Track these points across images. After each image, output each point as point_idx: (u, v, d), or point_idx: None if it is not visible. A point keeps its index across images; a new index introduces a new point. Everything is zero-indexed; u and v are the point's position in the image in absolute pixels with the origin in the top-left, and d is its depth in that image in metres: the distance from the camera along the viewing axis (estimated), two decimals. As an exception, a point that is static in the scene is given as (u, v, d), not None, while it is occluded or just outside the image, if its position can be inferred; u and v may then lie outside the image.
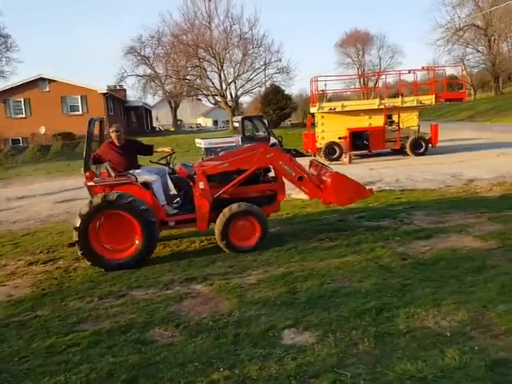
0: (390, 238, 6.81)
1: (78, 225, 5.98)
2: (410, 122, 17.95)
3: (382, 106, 17.68)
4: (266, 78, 41.60)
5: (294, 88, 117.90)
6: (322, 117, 18.19)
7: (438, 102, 19.87)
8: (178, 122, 57.49)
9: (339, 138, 17.66)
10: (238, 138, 19.13)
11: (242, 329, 4.17)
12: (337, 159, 17.65)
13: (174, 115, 55.75)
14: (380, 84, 22.37)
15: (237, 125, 21.54)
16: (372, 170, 14.93)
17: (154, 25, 79.39)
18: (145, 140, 31.40)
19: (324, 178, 7.20)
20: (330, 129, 17.80)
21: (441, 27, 53.48)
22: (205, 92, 42.70)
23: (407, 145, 17.44)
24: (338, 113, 18.01)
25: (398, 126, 17.62)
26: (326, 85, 24.03)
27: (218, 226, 6.47)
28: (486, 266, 5.44)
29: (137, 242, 6.15)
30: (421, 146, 17.49)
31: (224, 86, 41.21)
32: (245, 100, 60.18)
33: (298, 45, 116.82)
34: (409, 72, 19.30)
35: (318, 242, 7.00)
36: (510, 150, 17.13)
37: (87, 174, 6.39)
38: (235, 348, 3.83)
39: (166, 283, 5.52)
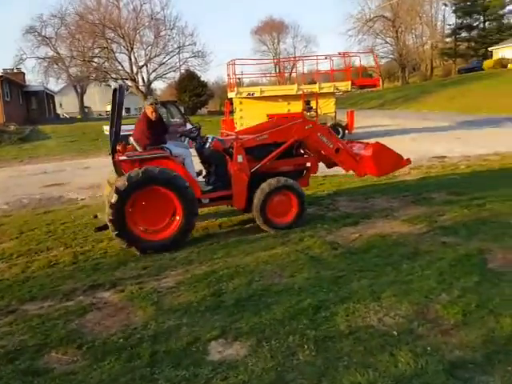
0: (318, 227, 6.43)
1: (113, 202, 5.46)
2: (327, 108, 17.98)
3: (301, 92, 17.49)
4: (181, 62, 40.27)
5: (211, 75, 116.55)
6: (241, 102, 17.63)
7: (350, 91, 20.18)
8: (86, 109, 54.07)
9: (258, 125, 17.24)
10: (151, 125, 18.03)
11: (159, 345, 3.48)
12: (256, 146, 17.21)
13: (81, 101, 52.26)
14: (297, 71, 22.07)
15: (150, 111, 20.38)
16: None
17: (56, 2, 73.32)
18: (47, 128, 28.85)
19: (356, 149, 7.02)
20: (249, 115, 17.27)
21: (352, 17, 55.33)
22: (114, 76, 40.28)
23: (325, 131, 17.43)
24: (257, 98, 17.55)
25: (316, 112, 17.57)
26: (242, 72, 23.33)
27: (256, 202, 6.21)
28: (419, 252, 5.21)
29: (178, 218, 5.81)
30: (338, 132, 17.55)
31: (135, 70, 39.24)
32: (159, 86, 58.14)
33: (214, 30, 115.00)
34: (325, 58, 19.32)
35: (242, 233, 6.46)
36: (420, 135, 17.84)
37: (119, 147, 5.84)
38: (152, 371, 3.15)
39: (65, 293, 4.61)
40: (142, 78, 40.22)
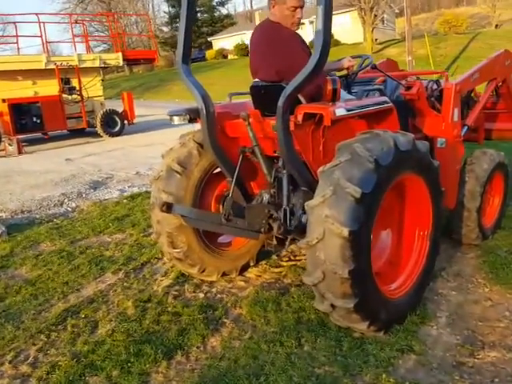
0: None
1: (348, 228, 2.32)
2: (93, 90, 12.93)
3: (53, 66, 11.90)
4: None
5: None
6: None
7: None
8: None
9: (-9, 116, 10.95)
10: None
11: None
12: (-5, 149, 10.92)
13: None
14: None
15: None
16: (70, 161, 9.39)
17: None
18: None
19: None
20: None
21: (60, -4, 47.71)
22: None
23: (97, 122, 12.44)
24: (-18, 75, 11.11)
25: (81, 94, 12.34)
26: None
27: (471, 196, 3.64)
28: None
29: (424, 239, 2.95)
30: (115, 123, 12.84)
31: None
32: None
33: None
34: (76, 22, 13.98)
35: None
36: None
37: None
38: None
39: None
40: None
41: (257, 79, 3.05)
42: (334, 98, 2.65)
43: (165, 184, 3.26)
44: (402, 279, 2.89)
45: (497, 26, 35.85)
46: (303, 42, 2.92)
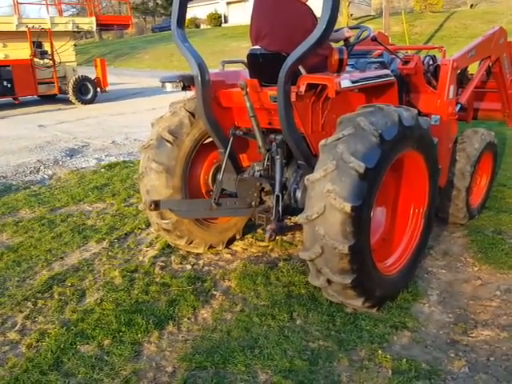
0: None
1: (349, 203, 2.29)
2: (65, 55, 12.42)
3: (25, 28, 11.35)
4: None
5: None
6: None
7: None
8: None
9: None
10: None
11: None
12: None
13: None
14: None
15: None
16: (43, 127, 9.08)
17: None
18: None
19: None
20: None
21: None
22: None
23: (69, 88, 12.01)
24: None
25: (53, 59, 11.85)
26: None
27: (462, 173, 3.67)
28: None
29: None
30: (87, 90, 12.43)
31: None
32: None
33: None
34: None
35: None
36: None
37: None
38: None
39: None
40: None
41: (256, 46, 2.95)
42: (340, 68, 2.59)
43: (155, 153, 3.19)
44: (397, 256, 2.94)
45: (472, 5, 36.15)
46: (314, 15, 2.85)
